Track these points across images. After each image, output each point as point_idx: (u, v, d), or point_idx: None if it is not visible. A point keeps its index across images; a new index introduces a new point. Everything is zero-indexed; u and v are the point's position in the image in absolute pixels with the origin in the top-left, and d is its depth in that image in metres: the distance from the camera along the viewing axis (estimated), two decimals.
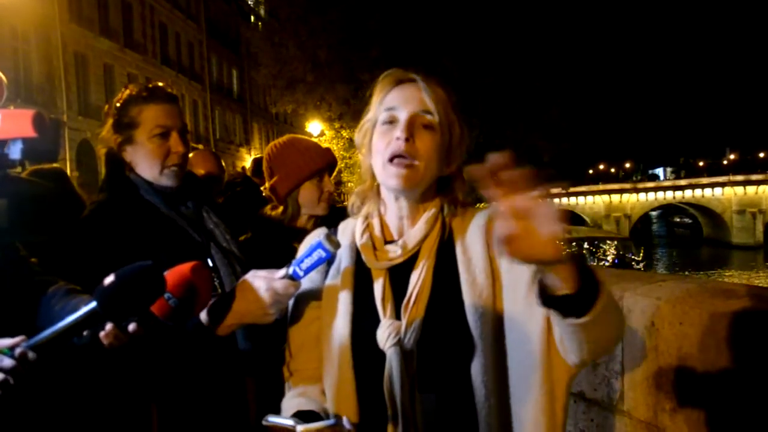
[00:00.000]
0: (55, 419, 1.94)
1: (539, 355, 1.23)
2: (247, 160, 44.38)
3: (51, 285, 1.65)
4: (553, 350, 1.22)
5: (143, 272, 1.22)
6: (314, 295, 1.48)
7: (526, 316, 1.26)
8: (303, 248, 1.46)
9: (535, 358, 1.23)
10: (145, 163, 2.01)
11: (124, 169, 2.04)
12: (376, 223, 1.47)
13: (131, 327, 1.28)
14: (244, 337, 1.99)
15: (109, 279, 1.20)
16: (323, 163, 2.50)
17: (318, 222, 2.48)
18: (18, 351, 1.20)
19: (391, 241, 1.43)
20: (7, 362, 1.19)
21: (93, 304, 1.19)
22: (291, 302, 1.50)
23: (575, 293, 1.03)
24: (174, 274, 1.28)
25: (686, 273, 40.78)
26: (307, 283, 1.47)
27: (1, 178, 1.47)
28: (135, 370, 1.86)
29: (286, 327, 1.58)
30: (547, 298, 1.06)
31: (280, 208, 2.55)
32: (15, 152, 1.41)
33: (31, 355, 1.20)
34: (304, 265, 1.35)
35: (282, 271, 1.38)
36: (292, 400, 1.43)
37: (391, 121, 1.38)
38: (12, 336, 1.24)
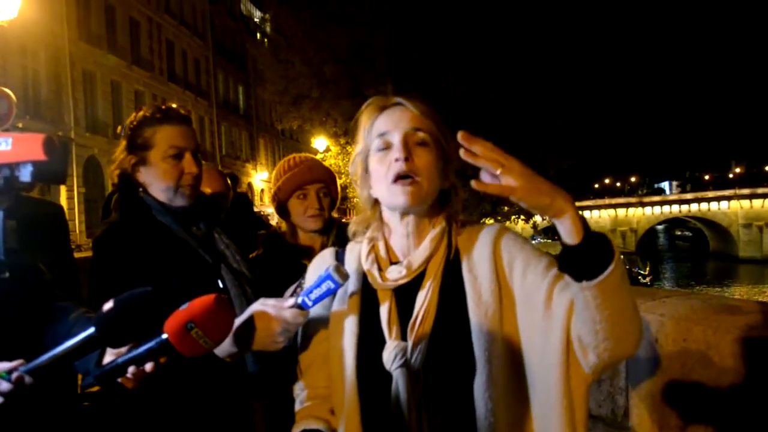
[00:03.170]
0: None
1: (558, 368, 1.23)
2: (253, 176, 44.57)
3: (72, 312, 1.65)
4: (572, 360, 1.23)
5: (142, 299, 1.22)
6: (323, 315, 1.49)
7: (544, 330, 1.26)
8: (312, 276, 1.47)
9: (555, 371, 1.23)
10: (159, 184, 2.02)
11: (137, 190, 2.05)
12: (381, 245, 1.48)
13: (148, 367, 1.28)
14: (254, 361, 2.00)
15: (108, 305, 1.20)
16: (303, 179, 2.50)
17: (326, 241, 2.50)
18: (15, 375, 1.21)
19: (397, 262, 1.44)
20: (4, 386, 1.20)
21: (91, 329, 1.20)
22: None
23: (580, 243, 1.11)
24: (199, 303, 1.25)
25: (692, 288, 40.54)
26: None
27: (12, 200, 1.48)
28: (143, 394, 1.87)
29: (295, 350, 1.60)
30: (562, 257, 1.14)
31: (283, 227, 2.61)
32: (25, 175, 1.41)
33: (27, 379, 1.21)
34: (313, 296, 1.37)
35: (291, 301, 1.39)
36: (302, 419, 1.45)
37: (386, 147, 1.41)
38: (9, 355, 1.25)
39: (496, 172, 1.10)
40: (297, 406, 1.52)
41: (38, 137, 1.40)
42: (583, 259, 1.12)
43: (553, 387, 1.24)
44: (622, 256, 1.18)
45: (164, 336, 1.22)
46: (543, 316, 1.26)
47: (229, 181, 3.70)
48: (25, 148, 1.40)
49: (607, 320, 1.14)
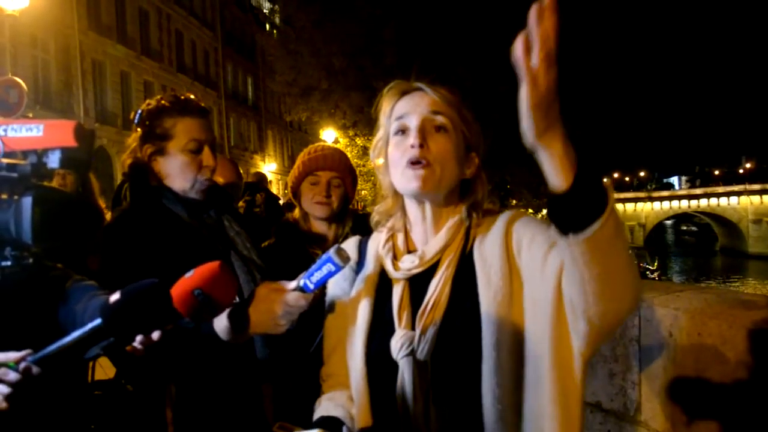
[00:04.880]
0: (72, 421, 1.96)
1: (549, 334, 1.17)
2: (261, 167, 44.67)
3: (66, 280, 1.68)
4: (564, 330, 1.16)
5: (148, 290, 1.22)
6: (345, 302, 1.49)
7: (538, 297, 1.21)
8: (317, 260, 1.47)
9: (545, 337, 1.18)
10: (177, 175, 2.03)
11: (149, 178, 2.06)
12: (400, 235, 1.46)
13: (155, 335, 1.29)
14: (263, 345, 2.00)
15: (115, 296, 1.21)
16: (317, 164, 2.53)
17: (341, 231, 2.52)
18: (23, 365, 1.22)
19: (414, 252, 1.42)
20: (13, 376, 1.21)
21: (98, 320, 1.21)
22: (326, 305, 1.53)
23: (567, 190, 0.98)
24: (204, 270, 1.29)
25: (703, 283, 40.38)
26: (337, 290, 1.49)
27: (35, 187, 1.49)
28: (150, 373, 1.88)
29: (303, 335, 1.59)
30: (548, 203, 1.03)
31: (296, 211, 2.62)
32: (53, 161, 1.44)
33: (35, 369, 1.22)
34: (314, 278, 1.36)
35: (293, 283, 1.39)
36: (321, 405, 1.45)
37: (403, 130, 1.38)
38: (28, 340, 1.27)
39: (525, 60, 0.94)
40: (322, 393, 1.51)
41: (69, 124, 1.43)
42: (569, 208, 1.00)
43: (543, 358, 1.18)
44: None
45: None
46: (540, 283, 1.21)
47: (241, 171, 3.72)
48: (57, 135, 1.43)
49: (596, 279, 1.04)
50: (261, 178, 6.79)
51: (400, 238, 1.46)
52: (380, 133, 1.45)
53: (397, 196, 1.45)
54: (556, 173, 0.99)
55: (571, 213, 1.00)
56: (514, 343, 1.26)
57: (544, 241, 1.23)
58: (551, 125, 0.98)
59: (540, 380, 1.20)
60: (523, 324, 1.27)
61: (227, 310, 1.46)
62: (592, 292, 1.06)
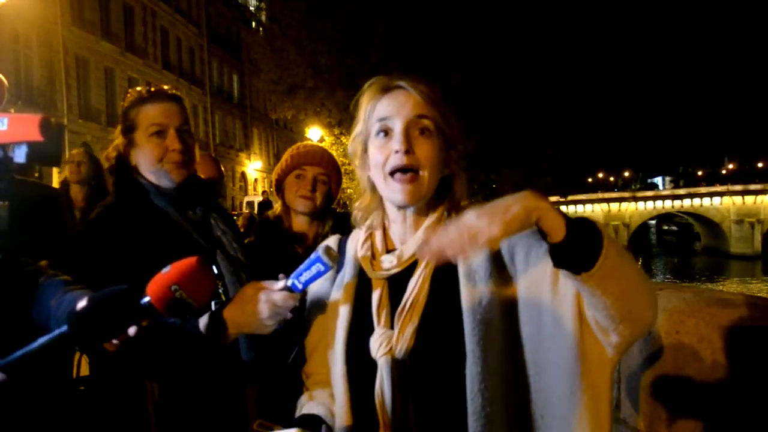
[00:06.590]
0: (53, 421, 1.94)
1: (573, 351, 1.18)
2: (246, 165, 44.52)
3: (40, 275, 1.66)
4: (590, 342, 1.18)
5: (116, 298, 1.21)
6: (325, 301, 1.49)
7: (555, 314, 1.21)
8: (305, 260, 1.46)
9: (569, 354, 1.18)
10: (145, 164, 2.00)
11: (132, 173, 2.03)
12: (378, 233, 1.46)
13: (131, 331, 1.27)
14: (247, 348, 1.99)
15: (82, 303, 1.20)
16: (305, 159, 2.54)
17: (321, 229, 2.51)
18: None
19: (393, 250, 1.42)
20: None
21: (64, 327, 1.19)
22: (308, 304, 1.52)
23: (564, 239, 1.05)
24: (181, 265, 1.27)
25: (684, 282, 40.74)
26: (318, 289, 1.48)
27: (5, 181, 1.47)
28: (132, 373, 1.86)
29: (288, 337, 1.59)
30: (552, 256, 1.09)
31: (277, 208, 2.61)
32: (20, 156, 1.41)
33: (0, 376, 1.21)
34: (303, 278, 1.35)
35: (281, 283, 1.38)
36: (302, 403, 1.46)
37: (385, 132, 1.35)
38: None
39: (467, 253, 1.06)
40: (304, 391, 1.52)
41: (35, 118, 1.40)
42: (573, 253, 1.06)
43: (569, 370, 1.19)
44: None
45: (147, 299, 1.23)
46: (552, 300, 1.21)
47: (222, 169, 3.69)
48: (22, 129, 1.40)
49: (617, 302, 1.10)
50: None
51: (378, 237, 1.46)
52: (359, 128, 1.43)
53: (376, 191, 1.44)
54: (549, 231, 1.06)
55: (576, 256, 1.06)
56: (503, 346, 1.26)
57: (544, 256, 1.23)
58: (526, 207, 1.04)
59: (566, 389, 1.20)
60: (515, 329, 1.27)
61: (211, 311, 1.44)
62: (616, 314, 1.12)
